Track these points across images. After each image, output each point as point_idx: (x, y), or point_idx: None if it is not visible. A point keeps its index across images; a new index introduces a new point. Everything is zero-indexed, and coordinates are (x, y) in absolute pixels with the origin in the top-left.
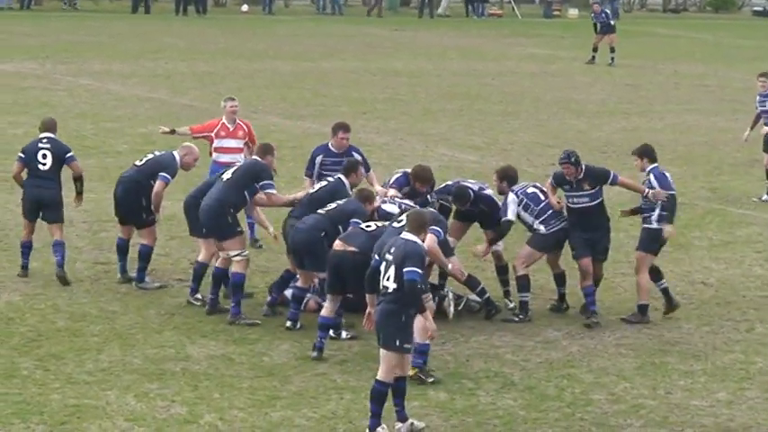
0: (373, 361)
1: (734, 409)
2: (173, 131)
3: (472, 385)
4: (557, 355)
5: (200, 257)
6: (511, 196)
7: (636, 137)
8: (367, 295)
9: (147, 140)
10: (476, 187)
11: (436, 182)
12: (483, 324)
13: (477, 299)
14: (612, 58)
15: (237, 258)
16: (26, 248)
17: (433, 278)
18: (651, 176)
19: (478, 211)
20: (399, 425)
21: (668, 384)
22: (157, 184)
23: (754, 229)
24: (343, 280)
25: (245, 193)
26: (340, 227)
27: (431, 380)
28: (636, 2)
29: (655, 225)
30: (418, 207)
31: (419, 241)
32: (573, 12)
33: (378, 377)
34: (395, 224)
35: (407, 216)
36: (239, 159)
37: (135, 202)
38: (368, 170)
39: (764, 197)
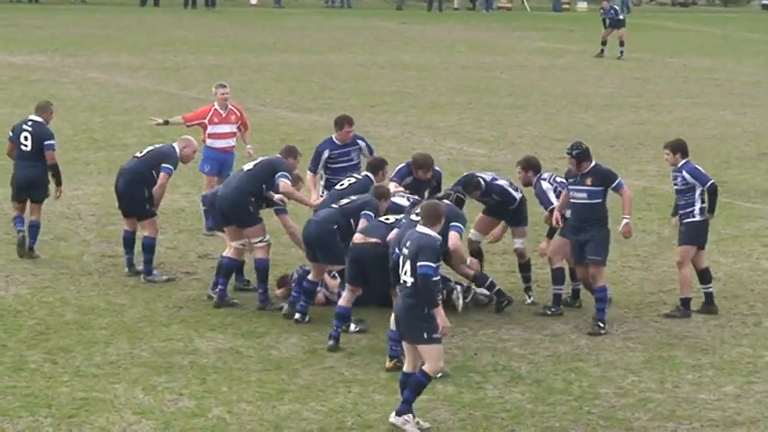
0: (381, 354)
1: (741, 403)
2: (165, 122)
3: (480, 379)
4: (564, 348)
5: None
6: (545, 185)
7: (644, 130)
8: (391, 289)
9: (156, 133)
10: (488, 177)
11: (443, 175)
12: (491, 317)
13: (486, 292)
14: (622, 52)
15: (260, 245)
16: (19, 220)
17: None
18: (685, 173)
19: (495, 203)
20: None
21: (676, 378)
22: (161, 177)
23: (762, 223)
24: (364, 272)
25: (263, 186)
26: (352, 220)
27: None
28: None
29: (698, 218)
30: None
31: (434, 234)
32: (582, 5)
33: (424, 369)
34: (412, 216)
35: (422, 208)
36: (233, 144)
37: (137, 194)
38: (371, 153)
39: None
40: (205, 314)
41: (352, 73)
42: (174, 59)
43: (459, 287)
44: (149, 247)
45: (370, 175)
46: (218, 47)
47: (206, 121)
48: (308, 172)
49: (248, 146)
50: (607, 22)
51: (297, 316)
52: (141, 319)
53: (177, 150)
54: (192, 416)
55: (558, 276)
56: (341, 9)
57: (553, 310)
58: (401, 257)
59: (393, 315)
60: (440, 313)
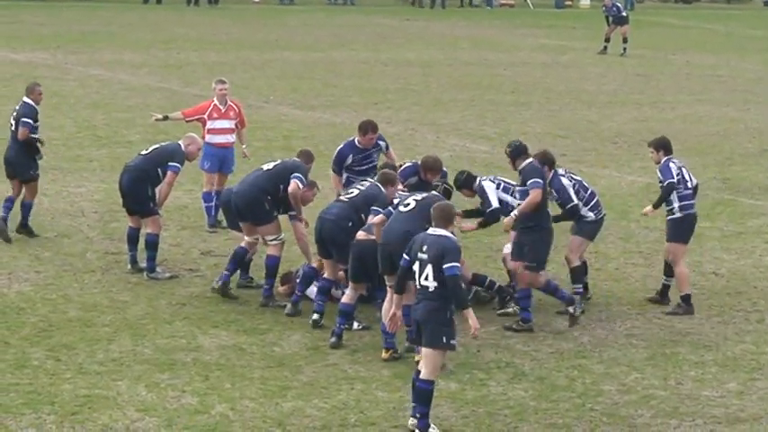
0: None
1: (744, 400)
2: (165, 118)
3: (483, 376)
4: (567, 345)
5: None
6: (564, 180)
7: (647, 127)
8: (395, 296)
9: (159, 130)
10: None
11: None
12: (493, 315)
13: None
14: (625, 49)
15: (274, 243)
16: (6, 205)
17: None
18: (658, 170)
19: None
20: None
21: (679, 375)
22: (169, 175)
23: (765, 220)
24: (367, 269)
25: (281, 186)
26: (363, 215)
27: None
28: None
29: (678, 214)
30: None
31: (451, 235)
32: (585, 2)
33: (422, 377)
34: (401, 208)
35: (434, 210)
36: (232, 140)
37: (141, 191)
38: (387, 148)
39: None
40: (208, 311)
41: (355, 70)
42: (177, 56)
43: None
44: (152, 244)
45: (380, 186)
46: (220, 44)
47: (205, 116)
48: (332, 173)
49: (244, 146)
50: (610, 19)
51: (315, 316)
52: (144, 317)
53: (182, 148)
54: (195, 413)
55: (578, 276)
56: (344, 6)
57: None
58: (418, 262)
59: (383, 309)
60: (470, 314)
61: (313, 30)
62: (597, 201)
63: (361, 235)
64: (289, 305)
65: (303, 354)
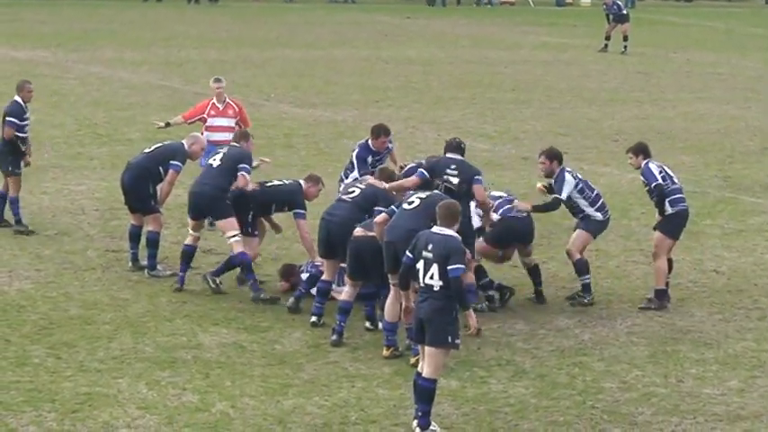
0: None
1: (745, 398)
2: (167, 125)
3: (484, 373)
4: (568, 343)
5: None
6: (568, 177)
7: (648, 125)
8: (402, 292)
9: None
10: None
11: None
12: (494, 312)
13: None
14: (625, 47)
15: (235, 240)
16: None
17: None
18: (641, 174)
19: None
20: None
21: (680, 372)
22: (170, 174)
23: (766, 218)
24: (364, 266)
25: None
26: (366, 216)
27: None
28: None
29: (670, 210)
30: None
31: (455, 234)
32: (585, 0)
33: (425, 375)
34: (405, 206)
35: (439, 209)
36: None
37: (143, 189)
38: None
39: None
40: (209, 309)
41: (356, 68)
42: (178, 54)
43: None
44: (153, 241)
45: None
46: (221, 42)
47: (205, 115)
48: (362, 176)
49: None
50: (611, 17)
51: (313, 319)
52: (145, 314)
53: (186, 147)
54: (196, 410)
55: (582, 268)
56: (344, 4)
57: (588, 298)
58: (423, 261)
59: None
60: (471, 314)
61: (314, 27)
62: (603, 202)
63: (358, 232)
64: (291, 299)
65: (304, 351)
